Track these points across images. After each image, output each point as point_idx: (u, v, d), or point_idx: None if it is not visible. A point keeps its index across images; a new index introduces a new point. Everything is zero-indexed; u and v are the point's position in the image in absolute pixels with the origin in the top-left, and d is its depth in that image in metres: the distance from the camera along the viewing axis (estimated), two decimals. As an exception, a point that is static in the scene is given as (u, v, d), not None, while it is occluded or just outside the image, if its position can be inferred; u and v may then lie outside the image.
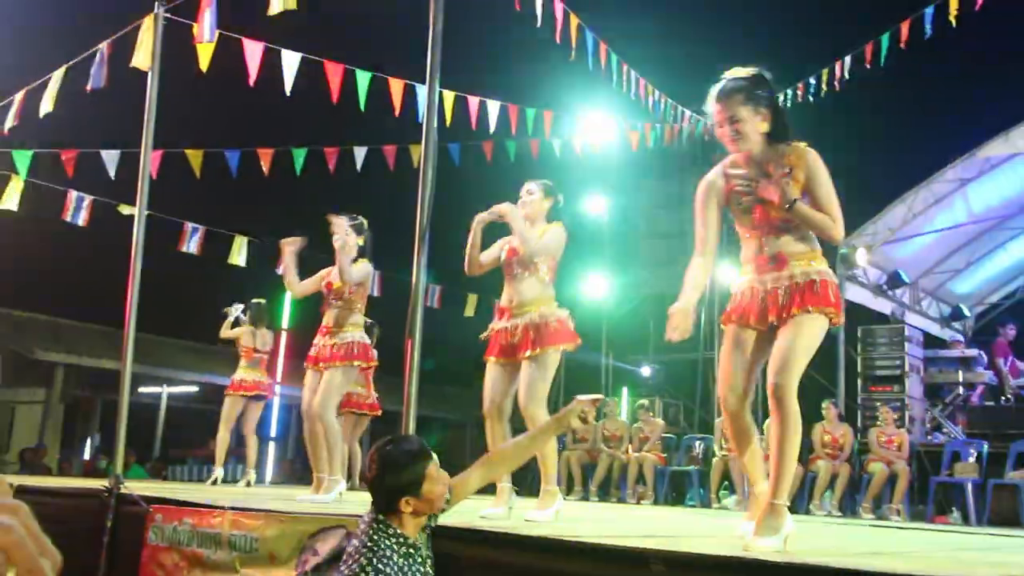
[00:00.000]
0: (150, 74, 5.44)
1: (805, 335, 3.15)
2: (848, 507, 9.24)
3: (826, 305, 3.17)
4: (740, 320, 3.32)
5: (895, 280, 11.10)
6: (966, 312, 12.74)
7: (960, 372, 11.28)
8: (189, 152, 7.60)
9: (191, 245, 9.04)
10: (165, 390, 16.76)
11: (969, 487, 8.87)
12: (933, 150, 10.22)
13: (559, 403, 10.61)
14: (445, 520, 3.04)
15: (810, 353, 3.18)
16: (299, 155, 7.80)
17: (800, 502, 9.32)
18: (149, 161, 5.45)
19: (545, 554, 2.99)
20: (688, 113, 9.14)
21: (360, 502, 4.51)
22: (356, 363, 5.62)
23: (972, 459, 9.29)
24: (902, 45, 7.11)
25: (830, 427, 9.42)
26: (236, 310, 8.46)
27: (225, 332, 8.49)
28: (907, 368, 11.06)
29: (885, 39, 7.27)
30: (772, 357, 3.20)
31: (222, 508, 4.07)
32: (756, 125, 3.23)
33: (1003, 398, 11.15)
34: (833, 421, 9.46)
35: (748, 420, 3.38)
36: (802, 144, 3.29)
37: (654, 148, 9.44)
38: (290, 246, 5.71)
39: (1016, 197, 11.42)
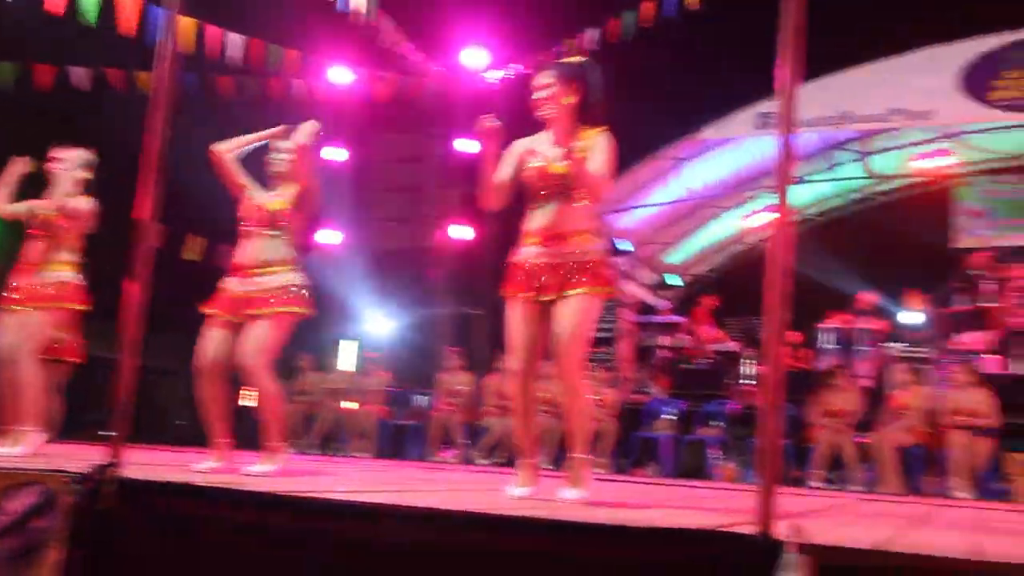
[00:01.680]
0: None
1: (586, 316, 3.44)
2: (559, 461, 9.75)
3: (604, 284, 3.48)
4: (523, 293, 3.52)
5: (616, 249, 11.75)
6: (674, 282, 13.78)
7: (666, 337, 12.22)
8: None
9: None
10: None
11: (666, 442, 9.65)
12: (659, 126, 10.86)
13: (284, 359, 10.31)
14: (157, 476, 2.83)
15: (592, 331, 3.50)
16: (4, 70, 6.91)
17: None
18: None
19: (267, 510, 2.85)
20: (435, 69, 9.09)
21: (61, 455, 4.13)
22: (65, 304, 5.06)
23: (670, 417, 10.10)
24: (644, 24, 7.46)
25: (549, 386, 9.84)
26: None
27: None
28: (620, 332, 11.81)
29: (629, 16, 7.60)
30: (559, 339, 3.42)
31: None
32: (565, 98, 3.56)
33: (700, 362, 12.21)
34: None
35: (533, 390, 3.58)
36: (602, 129, 3.60)
37: (397, 102, 9.30)
38: (21, 165, 5.15)
39: (726, 179, 12.46)
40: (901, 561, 2.13)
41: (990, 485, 8.32)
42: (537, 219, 3.58)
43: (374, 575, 2.52)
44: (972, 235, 13.06)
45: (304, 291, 4.34)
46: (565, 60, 3.75)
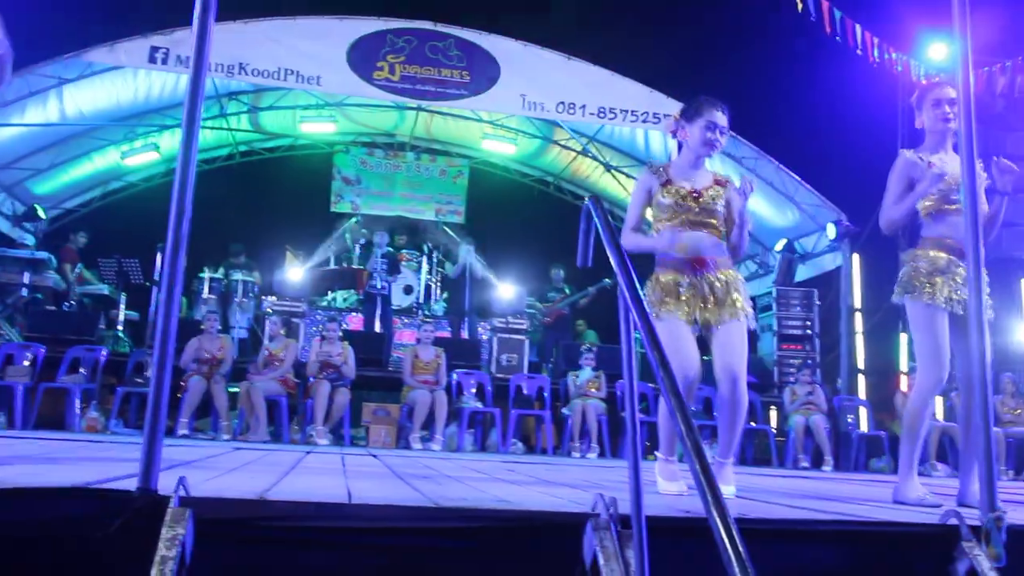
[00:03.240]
0: None
1: None
2: None
3: None
4: None
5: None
6: (41, 214, 12.49)
7: (26, 274, 11.03)
8: None
9: None
10: None
11: (20, 390, 8.75)
12: (43, 44, 9.67)
13: None
14: None
15: None
16: None
17: None
18: None
19: None
20: None
21: None
22: None
23: (27, 363, 9.19)
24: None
25: None
26: None
27: None
28: (-29, 265, 10.36)
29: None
30: None
31: None
32: None
33: (66, 304, 11.29)
34: None
35: None
36: None
37: None
38: None
39: (110, 109, 11.62)
40: (280, 509, 2.17)
41: (347, 431, 9.11)
42: None
43: None
44: (345, 200, 14.12)
45: None
46: None
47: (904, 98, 11.73)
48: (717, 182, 3.76)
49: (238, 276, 11.80)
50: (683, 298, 3.61)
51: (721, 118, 3.73)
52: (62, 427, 8.67)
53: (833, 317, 11.94)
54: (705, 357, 3.73)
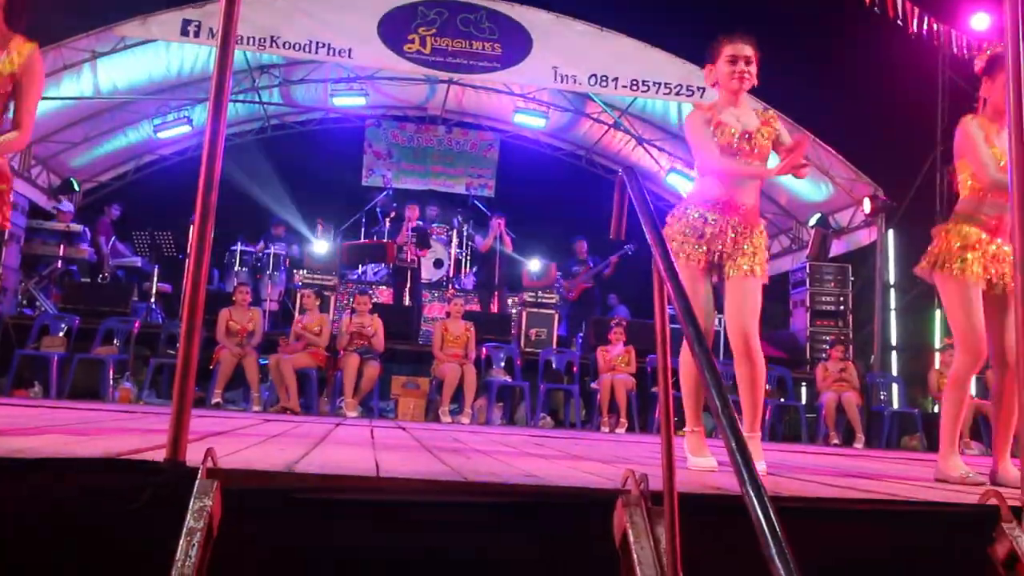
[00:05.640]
0: None
1: None
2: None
3: None
4: None
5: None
6: (76, 187, 12.59)
7: (62, 246, 11.15)
8: None
9: None
10: None
11: (55, 361, 8.86)
12: (76, 16, 9.69)
13: None
14: None
15: None
16: None
17: None
18: None
19: None
20: None
21: None
22: None
23: (62, 333, 9.31)
24: None
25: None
26: None
27: None
28: (7, 237, 10.46)
29: None
30: None
31: None
32: None
33: (100, 276, 11.40)
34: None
35: None
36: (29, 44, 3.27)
37: None
38: None
39: (143, 82, 11.64)
40: (308, 482, 2.16)
41: (376, 404, 9.15)
42: None
43: None
44: (376, 174, 14.11)
45: None
46: None
47: (945, 70, 11.47)
48: (764, 122, 3.69)
49: (272, 249, 11.87)
50: (706, 235, 3.57)
51: (742, 48, 3.62)
52: (96, 397, 8.78)
53: (867, 293, 11.77)
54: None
